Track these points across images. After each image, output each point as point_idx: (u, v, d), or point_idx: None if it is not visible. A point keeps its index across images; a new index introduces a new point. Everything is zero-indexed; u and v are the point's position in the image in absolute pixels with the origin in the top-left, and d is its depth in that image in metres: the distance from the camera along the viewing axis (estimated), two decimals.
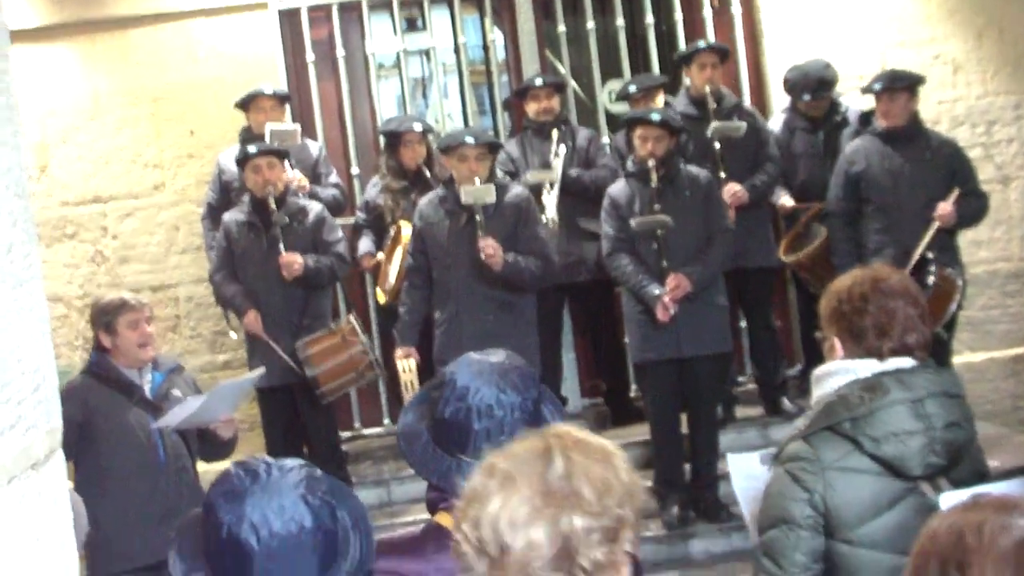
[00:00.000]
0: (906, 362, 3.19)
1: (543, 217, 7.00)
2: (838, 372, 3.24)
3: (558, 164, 7.33)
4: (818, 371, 3.33)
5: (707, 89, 7.35)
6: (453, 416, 2.67)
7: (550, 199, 7.21)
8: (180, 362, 6.00)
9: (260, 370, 6.02)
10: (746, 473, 3.50)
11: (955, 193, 6.80)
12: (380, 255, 7.39)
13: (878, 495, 3.09)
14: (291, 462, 2.39)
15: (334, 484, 2.42)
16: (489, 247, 6.34)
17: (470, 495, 1.91)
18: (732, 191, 7.16)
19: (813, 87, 7.49)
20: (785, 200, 7.51)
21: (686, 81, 7.74)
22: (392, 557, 2.65)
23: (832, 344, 3.31)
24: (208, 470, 5.88)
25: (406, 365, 6.67)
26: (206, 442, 5.63)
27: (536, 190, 7.15)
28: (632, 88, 7.67)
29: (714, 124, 7.20)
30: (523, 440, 1.96)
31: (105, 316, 5.47)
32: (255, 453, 7.20)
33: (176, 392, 5.60)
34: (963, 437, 3.13)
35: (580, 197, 7.37)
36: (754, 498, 3.38)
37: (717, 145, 7.22)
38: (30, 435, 1.93)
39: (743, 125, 7.27)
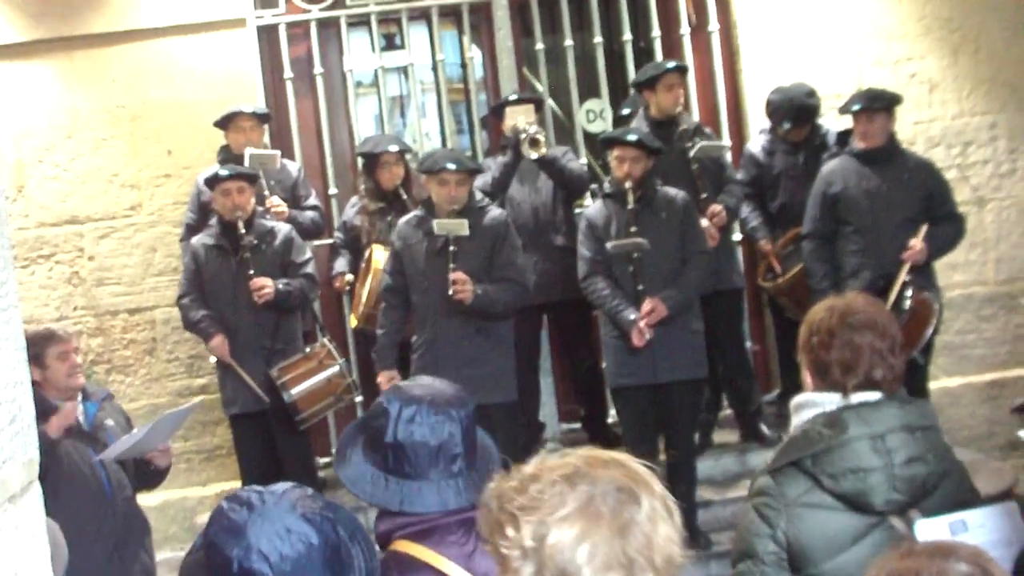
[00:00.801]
0: (872, 395, 3.19)
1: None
2: (808, 405, 3.25)
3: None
4: (794, 401, 3.34)
5: (678, 109, 7.33)
6: (407, 438, 2.76)
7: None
8: (109, 390, 5.95)
9: (198, 399, 6.02)
10: None
11: (923, 229, 6.79)
12: (349, 276, 7.37)
13: (842, 530, 3.10)
14: (280, 485, 2.41)
15: (326, 500, 2.42)
16: (459, 282, 6.33)
17: (535, 501, 1.84)
18: (715, 212, 7.16)
19: (794, 115, 7.48)
20: (764, 243, 7.55)
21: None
22: (411, 573, 2.68)
23: (804, 375, 3.33)
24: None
25: None
26: (140, 471, 5.58)
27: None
28: (626, 111, 7.69)
29: (700, 144, 7.19)
30: (600, 460, 1.89)
31: (33, 348, 5.30)
32: (231, 480, 7.19)
33: (110, 422, 5.56)
34: (925, 472, 3.12)
35: (549, 175, 7.40)
36: None
37: (695, 166, 7.21)
38: (7, 468, 1.91)
39: (726, 144, 7.28)
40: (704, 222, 7.09)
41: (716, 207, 7.18)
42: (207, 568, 2.29)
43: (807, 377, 3.29)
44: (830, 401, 3.18)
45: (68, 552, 4.38)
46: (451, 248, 6.39)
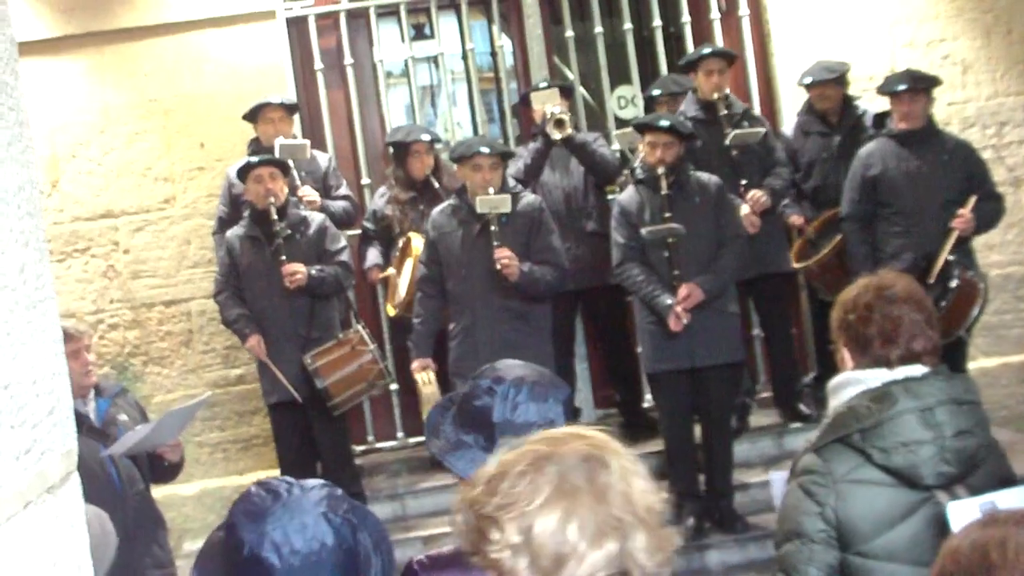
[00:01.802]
0: (916, 370, 3.17)
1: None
2: (850, 383, 3.23)
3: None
4: (832, 382, 3.32)
5: (715, 96, 7.31)
6: (514, 419, 2.71)
7: None
8: (123, 385, 5.93)
9: (207, 394, 5.96)
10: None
11: (972, 200, 6.75)
12: (391, 270, 7.37)
13: (891, 506, 3.08)
14: (312, 481, 2.41)
15: (355, 505, 2.41)
16: (505, 257, 6.33)
17: (509, 497, 1.82)
18: (756, 197, 7.14)
19: (824, 67, 7.50)
20: (795, 218, 7.49)
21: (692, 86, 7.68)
22: (443, 572, 2.67)
23: (842, 355, 3.30)
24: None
25: (425, 377, 6.65)
26: (153, 466, 5.56)
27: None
28: (656, 92, 7.62)
29: (733, 132, 7.18)
30: (557, 438, 1.89)
31: None
32: (268, 469, 7.23)
33: (122, 417, 5.52)
34: (975, 444, 3.11)
35: (578, 158, 7.41)
36: None
37: (735, 152, 7.19)
38: (45, 459, 1.91)
39: (761, 130, 7.25)
40: (745, 208, 7.07)
41: (757, 192, 7.16)
42: (223, 547, 2.31)
43: (845, 355, 3.27)
44: (873, 378, 3.16)
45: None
46: (493, 228, 6.40)
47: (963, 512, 2.98)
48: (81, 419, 5.27)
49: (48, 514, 1.91)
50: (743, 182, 7.19)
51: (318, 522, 2.28)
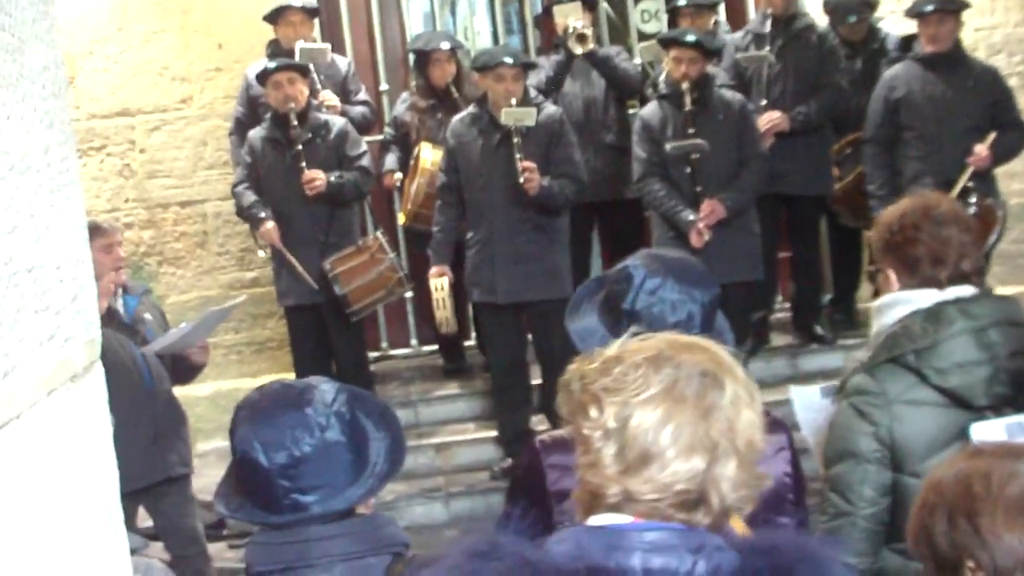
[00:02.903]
0: (966, 290, 3.14)
1: None
2: (898, 303, 3.19)
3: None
4: (878, 302, 3.30)
5: (769, 11, 7.22)
6: (646, 309, 2.67)
7: None
8: (147, 285, 5.99)
9: (242, 297, 6.04)
10: (808, 405, 3.51)
11: (992, 136, 6.68)
12: (399, 176, 7.36)
13: (945, 427, 3.06)
14: (307, 380, 2.44)
15: (352, 392, 2.46)
16: (529, 170, 6.29)
17: (619, 379, 1.81)
18: (769, 119, 7.06)
19: (857, 7, 7.39)
20: None
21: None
22: (567, 453, 2.67)
23: (887, 275, 3.26)
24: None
25: (439, 283, 6.65)
26: (176, 365, 5.61)
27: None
28: (682, 1, 7.49)
29: (739, 55, 7.23)
30: (683, 344, 1.87)
31: None
32: (282, 372, 7.26)
33: (148, 315, 5.61)
34: None
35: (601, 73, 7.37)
36: (818, 429, 3.39)
37: (765, 71, 7.14)
38: (69, 346, 1.88)
39: (769, 55, 7.12)
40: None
41: (774, 114, 7.09)
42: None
43: (891, 276, 3.23)
44: (924, 298, 3.13)
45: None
46: (515, 139, 6.35)
47: (987, 432, 2.97)
48: (112, 314, 5.35)
49: (71, 402, 1.88)
50: (763, 102, 7.12)
51: (308, 420, 2.35)
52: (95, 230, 5.35)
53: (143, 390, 5.33)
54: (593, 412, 1.81)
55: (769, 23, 7.19)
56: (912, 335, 3.07)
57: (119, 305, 5.50)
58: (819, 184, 7.33)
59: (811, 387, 3.57)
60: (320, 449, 2.35)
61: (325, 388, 2.44)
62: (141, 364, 5.34)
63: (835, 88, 7.26)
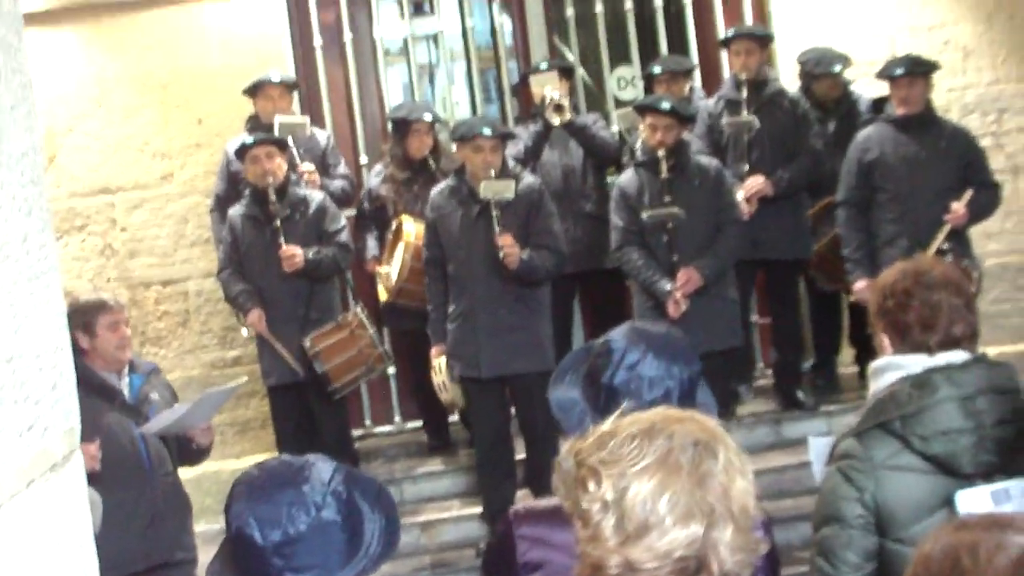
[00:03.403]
0: (957, 356, 3.14)
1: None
2: (890, 368, 3.21)
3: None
4: (873, 366, 3.32)
5: (742, 77, 7.28)
6: (624, 385, 2.66)
7: None
8: (156, 364, 5.92)
9: (243, 379, 5.98)
10: (824, 455, 3.48)
11: (968, 193, 6.72)
12: (385, 267, 7.34)
13: (930, 494, 3.07)
14: (307, 457, 2.43)
15: (347, 471, 2.45)
16: (508, 244, 6.30)
17: (614, 452, 1.85)
18: (754, 184, 7.13)
19: (838, 57, 7.48)
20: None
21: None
22: (538, 525, 2.65)
23: (881, 340, 3.29)
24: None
25: (439, 364, 6.64)
26: (182, 448, 5.54)
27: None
28: (657, 69, 7.57)
29: (729, 119, 7.16)
30: (674, 417, 1.91)
31: (84, 316, 5.27)
32: (265, 452, 7.22)
33: (155, 396, 5.48)
34: (1015, 433, 3.08)
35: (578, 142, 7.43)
36: None
37: (746, 136, 7.20)
38: (48, 436, 1.88)
39: (754, 120, 7.18)
40: (740, 194, 7.07)
41: (758, 179, 7.14)
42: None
43: (884, 341, 3.27)
44: (914, 363, 3.15)
45: (102, 515, 4.41)
46: (494, 212, 6.36)
47: (972, 499, 2.97)
48: (115, 394, 5.28)
49: (51, 492, 1.88)
50: (745, 167, 7.17)
51: (305, 498, 2.34)
52: (100, 307, 5.33)
53: (141, 472, 5.24)
54: (591, 486, 1.84)
55: (744, 89, 7.25)
56: (899, 401, 3.09)
57: (123, 384, 5.41)
58: (797, 248, 7.36)
59: (827, 438, 3.53)
60: (316, 528, 2.35)
61: (323, 467, 2.44)
62: (140, 446, 5.26)
63: (812, 152, 7.32)
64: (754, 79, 7.28)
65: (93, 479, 5.03)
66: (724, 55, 7.89)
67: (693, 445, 1.83)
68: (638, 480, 1.81)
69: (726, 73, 8.04)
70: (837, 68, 7.48)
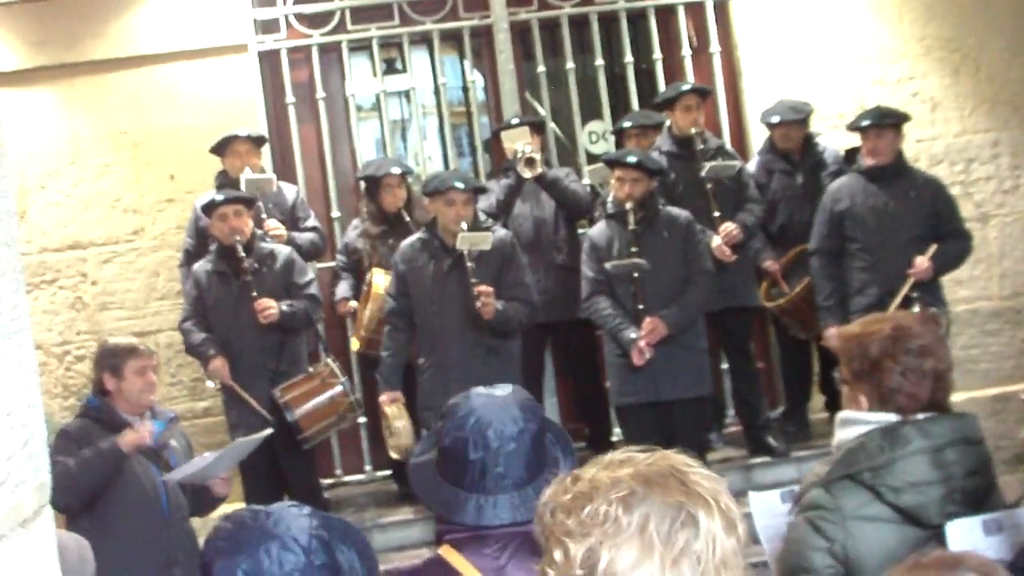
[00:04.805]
0: (928, 412, 3.17)
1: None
2: (857, 421, 3.22)
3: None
4: (841, 416, 3.32)
5: (693, 131, 7.37)
6: (451, 446, 2.68)
7: None
8: (175, 412, 5.98)
9: (268, 431, 6.01)
10: (767, 512, 3.48)
11: (932, 248, 6.78)
12: (354, 304, 7.37)
13: (899, 544, 3.07)
14: (277, 505, 2.40)
15: (327, 518, 2.41)
16: (485, 294, 6.33)
17: (585, 527, 1.75)
18: (727, 231, 7.18)
19: (777, 112, 7.58)
20: (769, 263, 7.53)
21: (666, 122, 7.71)
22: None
23: (857, 398, 3.27)
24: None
25: (395, 410, 6.64)
26: (196, 497, 5.59)
27: None
28: (627, 124, 7.66)
29: (709, 165, 7.23)
30: (659, 475, 1.79)
31: (114, 359, 5.45)
32: (234, 502, 7.20)
33: (173, 442, 5.60)
34: (983, 484, 3.11)
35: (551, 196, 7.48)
36: (776, 536, 3.38)
37: (709, 185, 7.24)
38: (19, 491, 1.89)
39: (737, 163, 7.32)
40: (716, 240, 7.12)
41: (730, 225, 7.21)
42: None
43: (861, 399, 3.25)
44: (885, 418, 3.17)
45: (112, 567, 4.41)
46: (469, 264, 6.39)
47: (963, 530, 2.99)
48: None
49: (21, 548, 1.88)
50: (716, 214, 7.23)
51: (289, 545, 2.27)
52: (130, 351, 5.46)
53: (160, 518, 5.36)
54: (558, 555, 1.78)
55: (673, 144, 7.45)
56: (869, 452, 3.10)
57: (148, 430, 5.48)
58: (744, 295, 7.44)
59: (770, 492, 3.55)
60: (305, 574, 2.32)
61: (295, 512, 2.41)
62: (161, 491, 5.38)
63: (758, 202, 7.45)
64: (701, 132, 7.44)
65: (109, 514, 5.13)
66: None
67: (672, 518, 1.75)
68: (609, 554, 1.73)
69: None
70: (775, 120, 7.56)
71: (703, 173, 7.24)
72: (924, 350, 3.19)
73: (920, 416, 3.15)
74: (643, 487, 1.77)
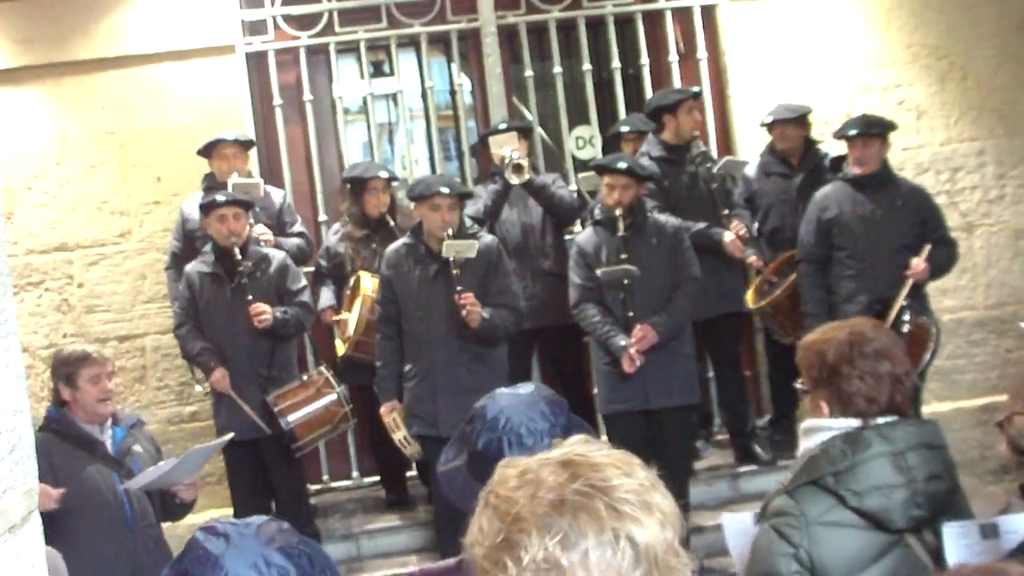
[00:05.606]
0: (889, 416, 3.19)
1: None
2: (821, 429, 3.25)
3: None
4: (805, 425, 3.34)
5: (696, 134, 7.46)
6: (486, 448, 2.68)
7: None
8: (140, 416, 5.89)
9: (228, 435, 5.94)
10: (740, 531, 3.50)
11: (927, 248, 6.80)
12: (345, 314, 7.34)
13: (863, 548, 3.10)
14: (256, 518, 2.37)
15: (303, 538, 2.39)
16: (470, 303, 6.31)
17: (533, 563, 1.68)
18: (738, 227, 7.27)
19: (785, 107, 7.63)
20: (754, 258, 7.54)
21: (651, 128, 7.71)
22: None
23: (818, 404, 3.30)
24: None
25: (394, 421, 6.63)
26: (165, 503, 5.52)
27: None
28: (624, 128, 7.68)
29: (724, 159, 7.41)
30: (585, 504, 1.71)
31: (67, 368, 5.34)
32: (221, 507, 7.16)
33: (137, 448, 5.49)
34: (944, 488, 3.13)
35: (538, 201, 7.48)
36: (747, 552, 3.37)
37: (715, 185, 7.32)
38: (7, 498, 1.89)
39: (746, 160, 7.37)
40: (729, 235, 7.20)
41: (739, 225, 7.30)
42: None
43: (822, 406, 3.28)
44: (847, 424, 3.20)
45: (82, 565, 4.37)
46: (455, 271, 6.37)
47: (959, 533, 3.01)
48: (96, 446, 5.26)
49: (9, 553, 1.88)
50: (725, 212, 7.28)
51: (276, 556, 2.26)
52: (83, 359, 5.33)
53: (123, 526, 5.28)
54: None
55: (664, 149, 7.47)
56: (831, 458, 3.12)
57: (106, 436, 5.41)
58: (730, 302, 7.47)
59: (743, 513, 3.56)
60: None
61: (262, 539, 2.38)
62: (123, 499, 5.29)
63: (743, 207, 7.54)
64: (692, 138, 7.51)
65: (73, 528, 5.07)
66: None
67: (612, 548, 1.68)
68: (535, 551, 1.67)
69: None
70: (769, 119, 7.62)
71: (716, 169, 7.31)
72: (880, 353, 3.24)
73: (881, 421, 3.19)
74: (572, 520, 1.71)
